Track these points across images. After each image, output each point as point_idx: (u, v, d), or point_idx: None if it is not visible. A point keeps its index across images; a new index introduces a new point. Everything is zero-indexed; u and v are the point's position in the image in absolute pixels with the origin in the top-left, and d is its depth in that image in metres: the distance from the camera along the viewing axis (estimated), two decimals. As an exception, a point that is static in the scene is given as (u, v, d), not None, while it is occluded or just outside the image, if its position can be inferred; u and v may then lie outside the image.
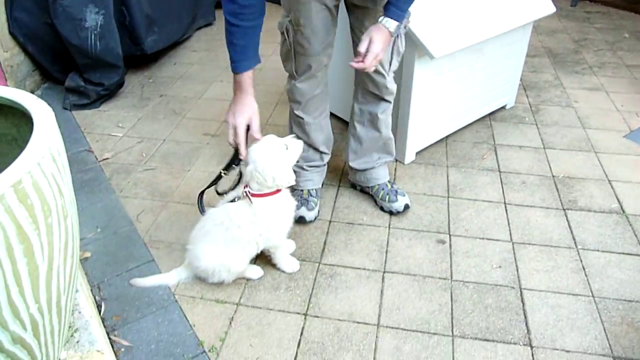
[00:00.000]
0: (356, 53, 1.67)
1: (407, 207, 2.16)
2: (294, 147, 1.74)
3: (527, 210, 2.23)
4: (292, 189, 2.25)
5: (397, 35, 1.80)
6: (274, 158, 1.66)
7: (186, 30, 3.96)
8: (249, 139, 1.74)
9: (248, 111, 1.69)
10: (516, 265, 1.95)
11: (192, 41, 4.09)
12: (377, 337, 1.68)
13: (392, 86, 1.98)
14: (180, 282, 1.87)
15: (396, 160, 2.54)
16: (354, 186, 2.35)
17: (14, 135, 1.00)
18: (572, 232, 2.10)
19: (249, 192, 1.69)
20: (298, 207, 2.08)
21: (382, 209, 2.21)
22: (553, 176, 2.44)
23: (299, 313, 1.77)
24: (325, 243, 2.06)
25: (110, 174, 2.49)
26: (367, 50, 1.61)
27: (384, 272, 1.93)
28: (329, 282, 1.89)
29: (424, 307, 1.79)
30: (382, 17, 1.64)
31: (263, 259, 1.92)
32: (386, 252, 2.02)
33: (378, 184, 2.21)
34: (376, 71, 1.86)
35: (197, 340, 1.67)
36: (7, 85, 2.87)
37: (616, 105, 3.06)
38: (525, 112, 2.99)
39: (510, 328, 1.70)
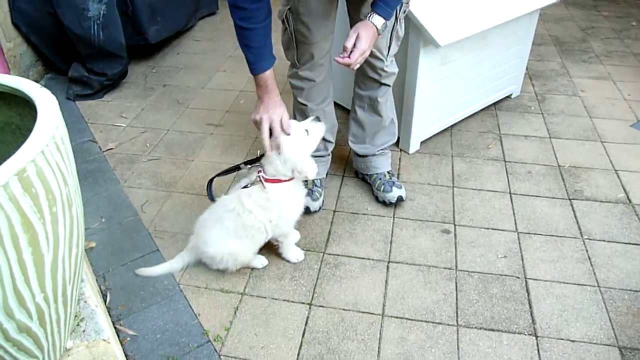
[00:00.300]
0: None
1: (400, 199, 2.14)
2: (314, 131, 1.71)
3: (533, 200, 2.21)
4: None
5: (396, 20, 1.79)
6: (296, 148, 1.65)
7: (189, 20, 3.94)
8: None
9: (279, 109, 1.66)
10: (521, 255, 1.94)
11: (195, 31, 4.07)
12: (381, 326, 1.68)
13: (392, 70, 1.97)
14: (185, 267, 1.87)
15: (401, 150, 2.53)
16: (356, 174, 2.35)
17: (17, 124, 0.99)
18: (577, 222, 2.09)
19: (263, 177, 1.68)
20: (303, 197, 2.08)
21: (377, 198, 2.20)
22: (559, 166, 2.43)
23: (303, 303, 1.77)
24: (329, 233, 2.05)
25: (115, 164, 2.49)
26: (354, 47, 1.60)
27: (389, 262, 1.93)
28: (333, 272, 1.89)
29: (429, 296, 1.78)
30: (370, 13, 1.63)
31: (268, 248, 1.92)
32: (391, 242, 2.01)
33: (377, 173, 2.20)
34: (374, 56, 1.85)
35: (202, 330, 1.68)
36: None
37: (623, 94, 3.03)
38: (531, 102, 2.96)
39: (515, 318, 1.70)
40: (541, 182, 2.32)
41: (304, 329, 1.68)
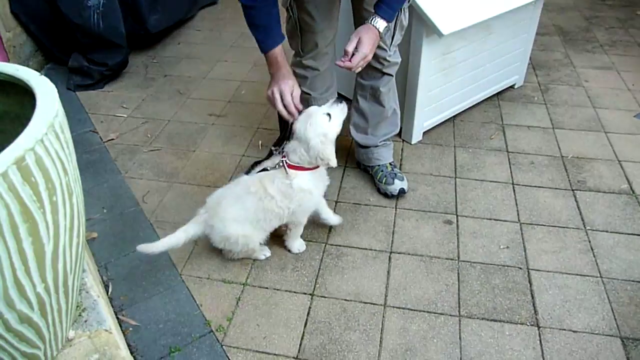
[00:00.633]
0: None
1: (402, 191, 2.13)
2: (337, 114, 1.69)
3: (536, 191, 2.20)
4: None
5: (401, 10, 1.77)
6: (320, 134, 1.63)
7: (190, 9, 3.91)
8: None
9: (289, 81, 1.68)
10: (524, 246, 1.93)
11: (195, 20, 4.04)
12: (383, 317, 1.68)
13: (394, 59, 1.96)
14: (187, 241, 1.76)
15: (403, 141, 2.52)
16: (359, 165, 2.34)
17: (17, 113, 0.98)
18: (580, 213, 2.08)
19: (287, 163, 1.67)
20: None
21: (378, 190, 2.19)
22: (562, 156, 2.41)
23: (305, 293, 1.77)
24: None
25: (116, 155, 2.49)
26: (356, 50, 1.60)
27: (391, 252, 1.92)
28: (335, 262, 1.89)
29: (431, 287, 1.78)
30: (373, 16, 1.62)
31: (269, 239, 1.92)
32: (393, 232, 2.01)
33: (379, 165, 2.19)
34: (377, 46, 1.84)
35: (204, 320, 1.68)
36: (11, 66, 2.84)
37: (627, 84, 3.00)
38: (535, 92, 2.94)
39: (518, 308, 1.70)
40: (544, 173, 2.31)
41: (306, 320, 1.68)
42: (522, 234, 1.99)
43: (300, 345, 1.60)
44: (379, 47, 1.86)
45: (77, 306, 1.18)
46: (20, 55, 3.03)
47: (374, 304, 1.73)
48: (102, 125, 2.72)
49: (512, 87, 2.94)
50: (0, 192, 0.75)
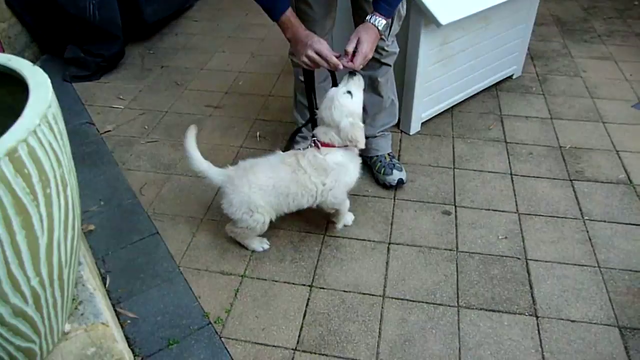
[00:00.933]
0: (356, 23, 1.64)
1: (401, 182, 2.13)
2: (356, 88, 1.69)
3: (534, 181, 2.20)
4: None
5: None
6: (347, 114, 1.64)
7: (186, 0, 3.87)
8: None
9: (314, 37, 1.63)
10: (522, 236, 1.93)
11: (193, 11, 4.00)
12: (382, 308, 1.68)
13: (392, 49, 1.94)
14: (205, 175, 1.76)
15: (401, 131, 2.50)
16: (357, 155, 2.33)
17: (9, 103, 0.97)
18: (578, 203, 2.08)
19: (319, 141, 1.69)
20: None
21: (377, 181, 2.19)
22: (560, 147, 2.41)
23: (304, 285, 1.77)
24: (330, 215, 2.04)
25: (113, 147, 2.47)
26: (356, 50, 1.60)
27: (389, 243, 1.92)
28: (334, 253, 1.88)
29: (430, 278, 1.78)
30: (371, 15, 1.62)
31: (268, 230, 1.91)
32: (391, 223, 2.00)
33: (377, 155, 2.18)
34: None
35: (202, 312, 1.68)
36: (5, 57, 2.82)
37: (625, 74, 2.99)
38: (533, 82, 2.93)
39: (516, 298, 1.70)
40: (542, 163, 2.30)
41: (305, 311, 1.68)
42: (520, 224, 1.99)
43: (299, 336, 1.60)
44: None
45: (73, 299, 1.18)
46: (15, 46, 3.00)
47: (372, 295, 1.73)
48: (99, 117, 2.70)
49: (510, 77, 2.92)
50: (-8, 184, 0.74)
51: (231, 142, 2.48)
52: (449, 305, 1.68)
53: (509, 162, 2.31)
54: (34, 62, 3.13)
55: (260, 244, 1.89)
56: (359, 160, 1.78)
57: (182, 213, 2.07)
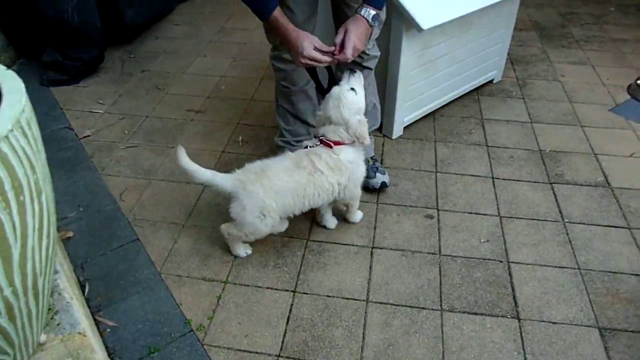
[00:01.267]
0: (337, 27, 1.67)
1: (384, 184, 2.14)
2: (357, 84, 1.72)
3: (515, 185, 2.22)
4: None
5: None
6: (354, 111, 1.68)
7: (168, 3, 3.84)
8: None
9: (307, 35, 1.63)
10: (504, 239, 1.95)
11: (174, 15, 3.97)
12: (366, 312, 1.68)
13: (374, 53, 1.95)
14: (209, 184, 1.71)
15: (384, 136, 2.51)
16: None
17: (-18, 109, 0.94)
18: (558, 206, 2.11)
19: (330, 140, 1.70)
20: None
21: None
22: (540, 150, 2.44)
23: (287, 290, 1.76)
24: (313, 219, 2.03)
25: (92, 152, 2.43)
26: (344, 42, 1.61)
27: (373, 247, 1.92)
28: (317, 258, 1.87)
29: (413, 282, 1.78)
30: (360, 6, 1.62)
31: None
32: (374, 227, 2.00)
33: None
34: None
35: (184, 319, 1.65)
36: (-20, 61, 2.76)
37: (602, 79, 3.05)
38: (513, 87, 2.97)
39: (498, 301, 1.71)
40: (523, 167, 2.33)
41: (288, 317, 1.67)
42: (502, 227, 2.00)
43: (282, 342, 1.59)
44: None
45: (49, 309, 1.15)
46: (-10, 50, 2.94)
47: (356, 299, 1.72)
48: (78, 122, 2.66)
49: (491, 82, 2.96)
50: (-37, 192, 0.71)
51: (213, 146, 2.46)
52: (433, 309, 1.69)
53: (491, 166, 2.33)
54: (10, 66, 3.07)
55: (244, 250, 1.87)
56: (363, 155, 1.84)
57: (163, 219, 2.04)
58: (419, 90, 2.45)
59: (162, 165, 2.34)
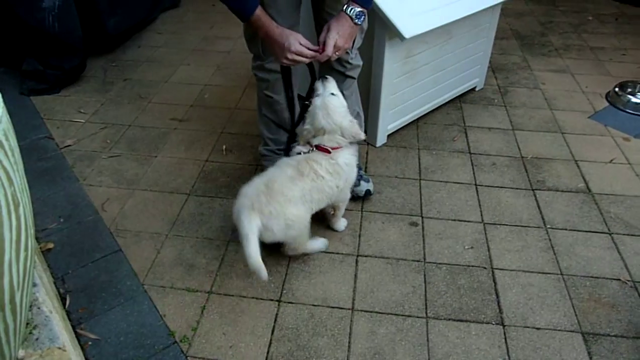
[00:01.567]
0: (318, 37, 1.67)
1: (368, 193, 2.14)
2: (334, 88, 1.75)
3: (498, 191, 2.25)
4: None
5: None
6: (343, 114, 1.72)
7: (150, 12, 3.82)
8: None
9: (292, 33, 1.61)
10: (488, 246, 1.96)
11: (157, 23, 3.95)
12: (351, 321, 1.67)
13: (356, 62, 1.96)
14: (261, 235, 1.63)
15: (367, 144, 2.52)
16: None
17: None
18: (541, 212, 2.13)
19: (327, 146, 1.71)
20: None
21: None
22: (522, 157, 2.47)
23: (272, 300, 1.75)
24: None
25: (73, 162, 2.39)
26: (326, 39, 1.61)
27: (358, 255, 1.92)
28: (302, 267, 1.87)
29: (398, 289, 1.78)
30: (346, 4, 1.62)
31: (236, 245, 1.88)
32: (359, 235, 2.00)
33: None
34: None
35: (167, 331, 1.63)
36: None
37: (581, 86, 3.11)
38: (494, 94, 3.00)
39: (483, 308, 1.72)
40: (505, 174, 2.36)
41: (273, 326, 1.65)
42: (485, 234, 2.02)
43: (267, 353, 1.57)
44: None
45: (28, 323, 1.12)
46: (-32, 59, 2.89)
47: (341, 308, 1.72)
48: (59, 131, 2.62)
49: (473, 89, 3.00)
50: (-63, 205, 0.69)
51: (197, 155, 2.44)
52: (418, 317, 1.69)
53: (474, 173, 2.36)
54: (-12, 75, 3.02)
55: (319, 245, 1.90)
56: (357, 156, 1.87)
57: (146, 229, 2.02)
58: (402, 98, 2.47)
59: (144, 174, 2.32)
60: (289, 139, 1.95)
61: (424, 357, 1.56)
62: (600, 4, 4.44)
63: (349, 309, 1.71)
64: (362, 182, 2.13)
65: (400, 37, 2.07)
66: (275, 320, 1.68)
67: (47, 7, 2.72)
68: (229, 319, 1.68)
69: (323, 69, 2.01)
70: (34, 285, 1.19)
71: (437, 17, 2.23)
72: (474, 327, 1.66)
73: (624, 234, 2.02)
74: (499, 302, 1.74)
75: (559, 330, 1.65)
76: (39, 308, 1.15)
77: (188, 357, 1.55)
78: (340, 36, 1.62)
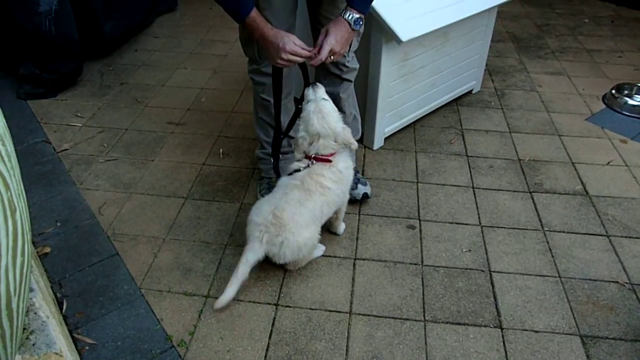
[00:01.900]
0: (315, 39, 1.67)
1: (366, 196, 2.14)
2: (324, 94, 1.75)
3: (495, 194, 2.25)
4: (261, 177, 2.22)
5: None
6: (336, 120, 1.72)
7: (147, 16, 3.82)
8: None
9: (287, 34, 1.60)
10: (485, 249, 1.96)
11: (153, 27, 3.95)
12: (349, 324, 1.67)
13: (353, 65, 1.96)
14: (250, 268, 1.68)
15: (365, 147, 2.52)
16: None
17: (-46, 125, 0.92)
18: (538, 215, 2.13)
19: (322, 155, 1.72)
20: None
21: None
22: (519, 159, 2.48)
23: (269, 303, 1.74)
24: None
25: (70, 166, 2.39)
26: (322, 44, 1.61)
27: (355, 259, 1.92)
28: (299, 271, 1.86)
29: (396, 293, 1.78)
30: (344, 9, 1.62)
31: (233, 249, 1.88)
32: (357, 238, 2.00)
33: None
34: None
35: (165, 335, 1.62)
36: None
37: (578, 89, 3.12)
38: (491, 97, 3.01)
39: (481, 311, 1.72)
40: (502, 176, 2.36)
41: (271, 330, 1.65)
42: (483, 236, 2.02)
43: (265, 357, 1.57)
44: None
45: (24, 329, 1.11)
46: (-35, 63, 2.88)
47: (339, 311, 1.72)
48: (56, 135, 2.61)
49: (470, 92, 3.00)
50: None
51: (194, 159, 2.44)
52: (416, 320, 1.69)
53: (471, 176, 2.36)
54: (-15, 79, 3.02)
55: (321, 251, 1.92)
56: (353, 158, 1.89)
57: (143, 233, 2.01)
58: (399, 102, 2.47)
59: (141, 178, 2.31)
60: (278, 142, 1.94)
61: (422, 360, 1.56)
62: (597, 6, 4.46)
63: (346, 313, 1.71)
64: (359, 185, 2.13)
65: (397, 40, 2.07)
66: (273, 324, 1.67)
67: (44, 11, 2.72)
68: (226, 322, 1.67)
69: (319, 72, 2.01)
70: (31, 290, 1.19)
71: (433, 20, 2.24)
72: (472, 330, 1.66)
73: (621, 236, 2.02)
74: (497, 305, 1.74)
75: (557, 333, 1.65)
76: (35, 313, 1.15)
77: (185, 362, 1.55)
78: (337, 41, 1.62)
